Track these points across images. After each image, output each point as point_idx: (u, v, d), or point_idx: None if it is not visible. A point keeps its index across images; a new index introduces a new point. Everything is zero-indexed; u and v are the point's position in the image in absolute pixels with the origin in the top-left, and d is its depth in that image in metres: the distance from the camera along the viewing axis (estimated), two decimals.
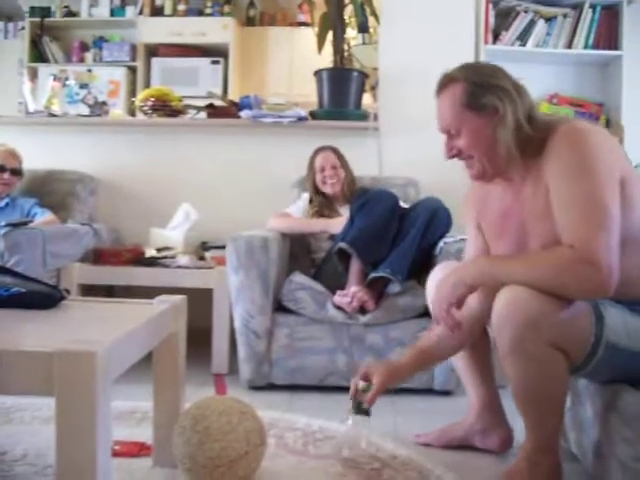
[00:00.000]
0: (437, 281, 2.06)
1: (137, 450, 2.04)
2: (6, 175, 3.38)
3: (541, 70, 3.95)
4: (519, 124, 1.75)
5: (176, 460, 1.75)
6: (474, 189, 2.06)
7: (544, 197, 1.72)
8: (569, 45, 3.78)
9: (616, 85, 3.80)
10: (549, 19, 3.80)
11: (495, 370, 2.17)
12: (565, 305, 1.62)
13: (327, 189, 3.29)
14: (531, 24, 3.78)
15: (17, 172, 3.43)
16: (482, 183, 1.95)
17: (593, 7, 3.76)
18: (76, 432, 1.26)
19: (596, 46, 3.78)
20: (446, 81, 1.84)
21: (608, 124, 3.87)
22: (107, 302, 2.08)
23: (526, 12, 3.78)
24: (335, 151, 3.36)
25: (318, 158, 3.32)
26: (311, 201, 3.33)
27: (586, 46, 3.77)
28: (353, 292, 2.76)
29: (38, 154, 3.67)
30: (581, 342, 1.65)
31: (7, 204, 3.37)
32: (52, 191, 3.61)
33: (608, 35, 3.79)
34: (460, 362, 2.19)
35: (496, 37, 3.81)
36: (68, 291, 1.94)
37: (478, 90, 1.77)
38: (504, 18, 3.83)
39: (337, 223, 3.03)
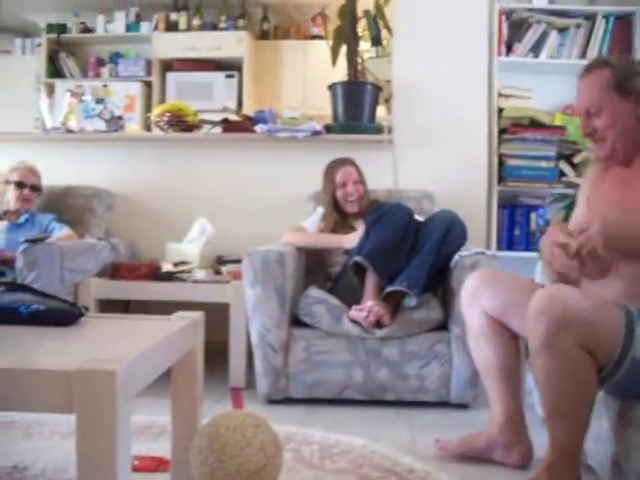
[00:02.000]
0: (470, 290, 2.11)
1: (155, 465, 2.05)
2: (26, 191, 3.43)
3: (555, 81, 3.94)
4: None
5: (195, 479, 1.76)
6: (594, 169, 2.12)
7: None
8: (583, 55, 3.78)
9: None
10: (562, 30, 3.80)
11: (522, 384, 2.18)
12: (599, 308, 1.66)
13: (348, 208, 3.29)
14: (544, 35, 3.78)
15: (36, 188, 3.48)
16: (603, 167, 2.04)
17: (606, 17, 3.76)
18: (96, 450, 1.27)
19: None
20: (596, 64, 1.97)
21: None
22: (125, 319, 2.10)
23: (539, 23, 3.79)
24: (354, 165, 3.36)
25: (339, 173, 3.30)
26: (324, 217, 3.33)
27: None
28: (369, 307, 2.76)
29: (55, 170, 3.70)
30: (608, 349, 1.66)
31: (27, 220, 3.41)
32: (69, 206, 3.64)
33: (622, 45, 3.78)
34: (488, 373, 2.18)
35: (509, 49, 3.81)
36: (87, 308, 1.96)
37: (628, 75, 1.90)
38: (517, 30, 3.83)
39: (352, 238, 3.04)
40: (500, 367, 2.14)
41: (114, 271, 3.31)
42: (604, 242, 1.73)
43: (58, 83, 6.01)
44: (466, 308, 2.18)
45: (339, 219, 3.29)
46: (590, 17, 3.78)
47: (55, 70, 6.30)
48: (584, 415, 1.73)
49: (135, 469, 1.92)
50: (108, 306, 3.26)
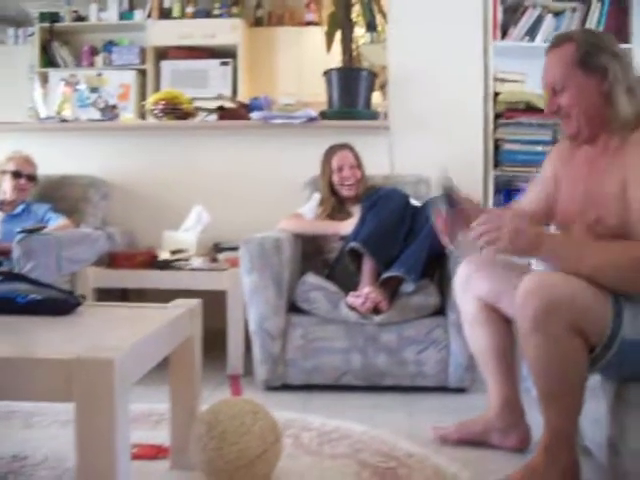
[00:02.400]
0: (463, 277, 2.12)
1: (154, 453, 2.05)
2: (22, 181, 3.42)
3: None
4: (621, 93, 1.80)
5: (195, 466, 1.76)
6: (562, 147, 2.09)
7: (618, 182, 1.76)
8: None
9: None
10: (557, 14, 3.78)
11: (518, 369, 2.19)
12: (587, 291, 1.66)
13: (344, 192, 3.28)
14: (539, 19, 3.77)
15: (32, 178, 3.47)
16: (571, 145, 2.00)
17: (601, 0, 3.74)
18: (96, 438, 1.28)
19: None
20: (561, 39, 1.91)
21: None
22: (123, 307, 2.10)
23: (534, 7, 3.77)
24: (352, 149, 3.35)
25: (335, 157, 3.30)
26: (321, 202, 3.33)
27: None
28: (366, 293, 2.76)
29: (51, 159, 3.69)
30: (598, 331, 1.67)
31: (23, 210, 3.40)
32: (65, 196, 3.63)
33: (617, 28, 3.76)
34: (483, 359, 2.19)
35: (504, 33, 3.80)
36: (84, 297, 1.96)
37: (592, 50, 1.82)
38: (512, 14, 3.82)
39: (348, 225, 3.03)
40: (495, 352, 2.15)
41: (111, 260, 3.30)
42: (512, 247, 1.73)
43: (52, 72, 5.97)
44: (460, 295, 2.19)
45: (336, 205, 3.29)
46: (585, 0, 3.76)
47: (48, 59, 6.26)
48: (577, 396, 1.74)
49: (134, 457, 1.93)
50: (105, 295, 3.26)
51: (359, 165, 3.34)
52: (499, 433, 2.14)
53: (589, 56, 1.82)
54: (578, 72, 1.83)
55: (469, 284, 2.13)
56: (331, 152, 3.34)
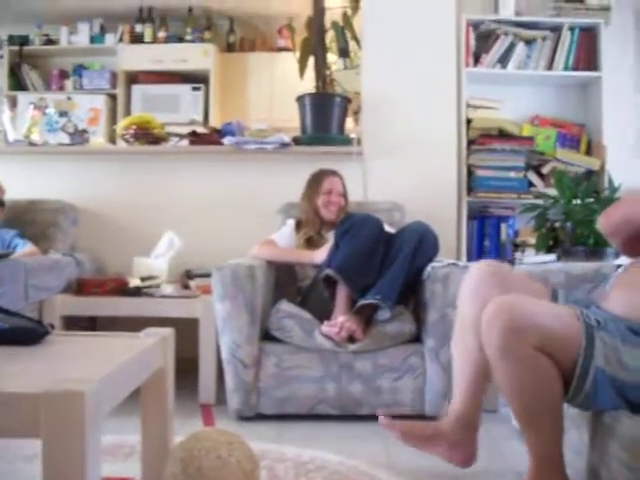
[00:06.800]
0: (476, 279, 2.06)
1: None
2: None
3: (522, 92, 3.98)
4: None
5: None
6: None
7: None
8: (549, 67, 3.80)
9: (596, 106, 3.82)
10: (529, 42, 3.82)
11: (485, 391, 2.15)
12: (554, 314, 1.67)
13: (326, 213, 3.28)
14: (511, 47, 3.80)
15: (0, 203, 3.39)
16: None
17: (572, 29, 3.79)
18: (64, 475, 1.22)
19: (576, 68, 3.81)
20: None
21: (590, 145, 3.90)
22: (93, 336, 2.03)
23: (506, 35, 3.81)
24: (341, 178, 3.38)
25: (327, 180, 3.31)
26: (298, 225, 3.30)
27: (566, 68, 3.80)
28: (341, 322, 2.73)
29: (19, 184, 3.62)
30: (568, 358, 1.64)
31: None
32: (33, 221, 3.56)
33: (587, 57, 3.82)
34: (461, 367, 2.13)
35: (477, 60, 3.83)
36: (52, 326, 1.90)
37: None
38: (484, 41, 3.85)
39: (321, 253, 3.00)
40: (476, 365, 2.09)
41: (80, 287, 3.23)
42: None
43: (20, 96, 5.90)
44: (466, 296, 2.10)
45: (316, 233, 3.26)
46: (556, 29, 3.81)
47: (17, 82, 6.18)
48: (555, 417, 1.71)
49: None
50: (74, 323, 3.18)
51: (345, 195, 3.35)
52: (448, 445, 2.08)
53: None
54: None
55: (481, 287, 2.03)
56: (322, 175, 3.35)
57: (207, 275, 3.02)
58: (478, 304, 2.01)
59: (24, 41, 6.21)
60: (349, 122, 4.05)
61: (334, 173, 3.37)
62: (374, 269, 2.84)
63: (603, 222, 1.98)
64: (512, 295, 1.76)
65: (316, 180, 3.34)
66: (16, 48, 6.17)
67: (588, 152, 3.88)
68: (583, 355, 1.63)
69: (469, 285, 2.08)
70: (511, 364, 1.66)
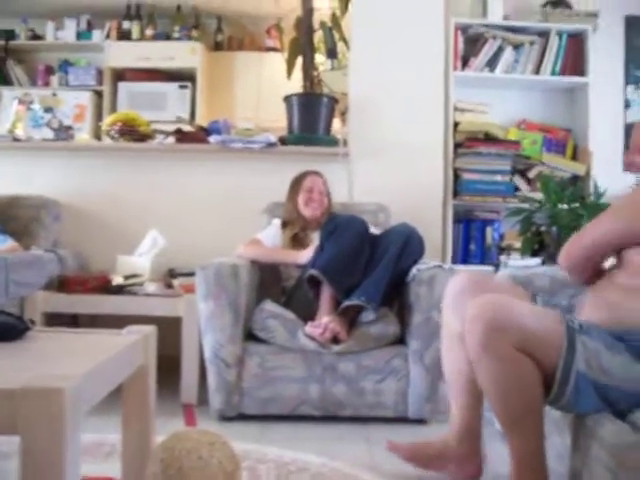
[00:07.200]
0: (457, 290, 2.04)
1: None
2: None
3: (510, 96, 3.99)
4: None
5: None
6: None
7: None
8: (537, 71, 3.82)
9: (583, 111, 3.84)
10: (517, 46, 3.83)
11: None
12: (537, 315, 1.68)
13: (307, 211, 3.26)
14: (499, 51, 3.81)
15: None
16: None
17: (559, 35, 3.81)
18: (43, 474, 1.20)
19: (563, 73, 3.83)
20: None
21: (576, 150, 3.91)
22: (74, 333, 2.01)
23: (494, 39, 3.82)
24: (323, 178, 3.37)
25: (308, 179, 3.31)
26: (284, 225, 3.28)
27: (553, 73, 3.82)
28: (325, 323, 2.71)
29: (2, 179, 3.59)
30: (549, 359, 1.64)
31: None
32: (16, 217, 3.52)
33: (574, 62, 3.84)
34: (455, 380, 2.13)
35: (465, 63, 3.84)
36: (33, 322, 1.87)
37: None
38: (473, 45, 3.86)
39: (306, 254, 2.99)
40: (467, 375, 2.09)
41: (62, 284, 3.19)
42: None
43: (5, 91, 5.84)
44: (449, 308, 2.09)
45: (300, 226, 3.25)
46: (544, 34, 3.83)
47: (2, 77, 6.13)
48: (537, 417, 1.70)
49: None
50: (55, 320, 3.14)
51: (327, 194, 3.33)
52: (456, 460, 2.09)
53: None
54: None
55: (463, 300, 1.99)
56: (304, 175, 3.35)
57: (191, 274, 3.00)
58: (462, 315, 2.02)
59: (9, 36, 6.16)
60: (336, 123, 4.04)
61: (316, 173, 3.37)
62: (359, 270, 2.83)
63: (564, 261, 1.99)
64: (496, 295, 1.76)
65: (298, 180, 3.35)
66: (1, 42, 6.12)
67: (574, 157, 3.90)
68: (564, 358, 1.63)
69: (451, 296, 2.08)
70: (492, 362, 1.66)
